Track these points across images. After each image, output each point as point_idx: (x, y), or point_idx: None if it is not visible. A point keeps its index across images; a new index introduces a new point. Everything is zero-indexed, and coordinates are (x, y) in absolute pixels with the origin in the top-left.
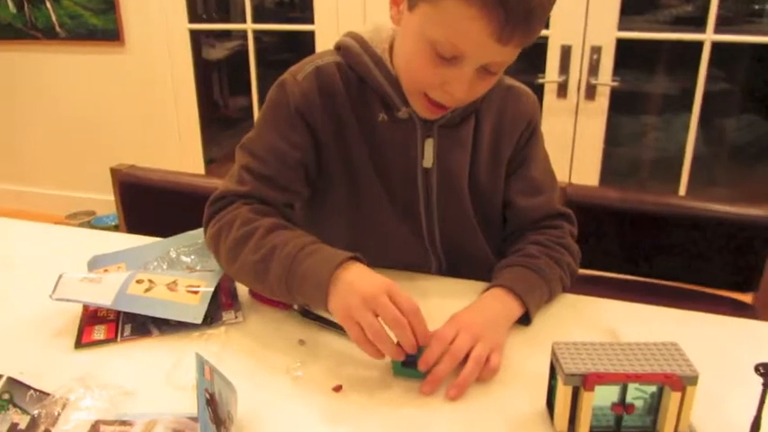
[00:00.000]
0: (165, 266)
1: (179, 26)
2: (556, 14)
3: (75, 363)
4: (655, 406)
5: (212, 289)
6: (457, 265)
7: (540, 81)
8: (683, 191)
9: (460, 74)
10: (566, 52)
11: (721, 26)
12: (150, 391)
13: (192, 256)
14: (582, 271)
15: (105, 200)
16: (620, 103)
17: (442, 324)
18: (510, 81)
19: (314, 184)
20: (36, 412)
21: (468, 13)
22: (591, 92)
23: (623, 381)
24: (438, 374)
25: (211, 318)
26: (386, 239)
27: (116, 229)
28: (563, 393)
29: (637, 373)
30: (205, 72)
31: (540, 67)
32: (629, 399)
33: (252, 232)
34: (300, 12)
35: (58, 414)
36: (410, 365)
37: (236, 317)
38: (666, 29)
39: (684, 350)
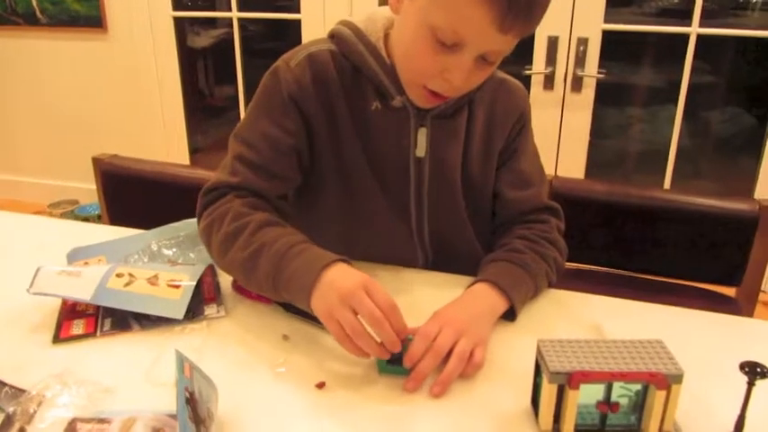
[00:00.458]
0: (146, 259)
1: (163, 13)
2: None
3: (52, 358)
4: (640, 404)
5: (194, 283)
6: (445, 260)
7: (528, 72)
8: (667, 183)
9: (460, 62)
10: (552, 43)
11: (706, 19)
12: (130, 387)
13: (174, 249)
14: (567, 264)
15: (89, 189)
16: (606, 96)
17: (426, 320)
18: (502, 74)
19: (307, 172)
20: (11, 410)
21: (472, 0)
22: (577, 83)
23: (608, 379)
24: (421, 371)
25: (193, 312)
26: (375, 231)
27: (99, 219)
28: (548, 391)
29: (622, 371)
30: (190, 60)
31: (528, 59)
32: (614, 397)
33: (243, 228)
34: (287, 0)
35: (34, 411)
36: (395, 362)
37: (219, 311)
38: (652, 21)
39: (669, 348)
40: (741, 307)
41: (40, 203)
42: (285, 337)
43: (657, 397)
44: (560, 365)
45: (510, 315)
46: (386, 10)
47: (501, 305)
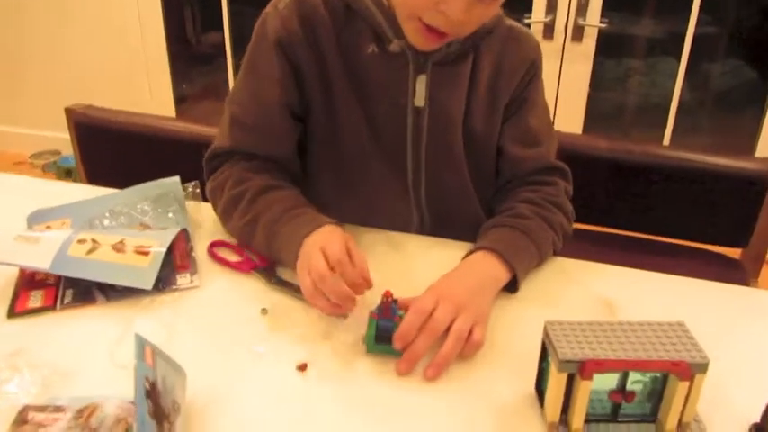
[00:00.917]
0: (114, 223)
1: None
2: None
3: (6, 335)
4: (657, 391)
5: (164, 249)
6: (442, 223)
7: (527, 21)
8: (667, 138)
9: None
10: None
11: None
12: (91, 369)
13: (147, 209)
14: None
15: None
16: (606, 47)
17: (420, 292)
18: (511, 22)
19: (304, 122)
20: None
21: None
22: (578, 33)
23: (624, 368)
24: (415, 352)
25: (163, 282)
26: (368, 185)
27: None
28: (556, 381)
29: (641, 359)
30: (175, 5)
31: (527, 6)
32: (629, 385)
33: (242, 194)
34: None
35: None
36: (385, 341)
37: (192, 281)
38: None
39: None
40: (746, 269)
41: (22, 154)
42: (264, 311)
43: (680, 388)
44: (571, 353)
45: (511, 286)
46: None
47: (503, 276)
